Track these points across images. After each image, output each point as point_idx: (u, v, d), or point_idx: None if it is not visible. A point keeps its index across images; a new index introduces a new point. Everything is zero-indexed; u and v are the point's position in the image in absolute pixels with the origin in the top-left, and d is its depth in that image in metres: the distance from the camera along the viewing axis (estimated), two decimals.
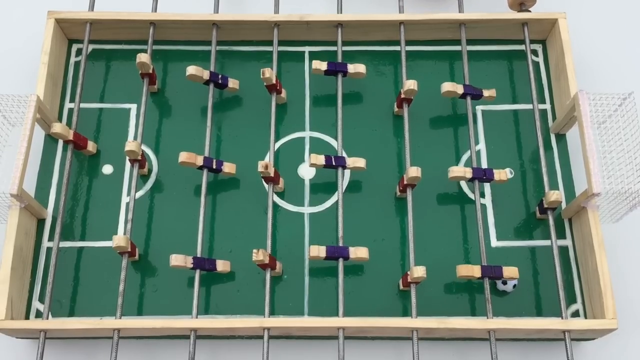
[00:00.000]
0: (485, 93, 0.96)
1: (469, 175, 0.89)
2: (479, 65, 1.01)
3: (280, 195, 0.94)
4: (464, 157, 0.96)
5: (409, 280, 0.84)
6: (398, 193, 0.93)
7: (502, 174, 0.90)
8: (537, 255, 0.91)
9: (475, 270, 0.84)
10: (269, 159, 0.93)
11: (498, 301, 0.87)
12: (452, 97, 0.96)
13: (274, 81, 0.94)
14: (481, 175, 0.90)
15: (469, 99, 0.95)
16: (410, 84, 0.92)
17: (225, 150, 0.97)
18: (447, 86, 0.94)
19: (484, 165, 0.95)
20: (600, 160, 0.85)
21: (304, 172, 0.96)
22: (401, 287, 0.88)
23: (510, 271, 0.85)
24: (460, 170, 0.89)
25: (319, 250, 0.85)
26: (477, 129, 0.98)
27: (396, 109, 0.98)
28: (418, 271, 0.83)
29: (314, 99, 1.00)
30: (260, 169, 0.87)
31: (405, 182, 0.89)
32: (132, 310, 0.88)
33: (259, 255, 0.83)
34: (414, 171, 0.87)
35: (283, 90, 0.98)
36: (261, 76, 0.92)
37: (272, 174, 0.89)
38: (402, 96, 0.94)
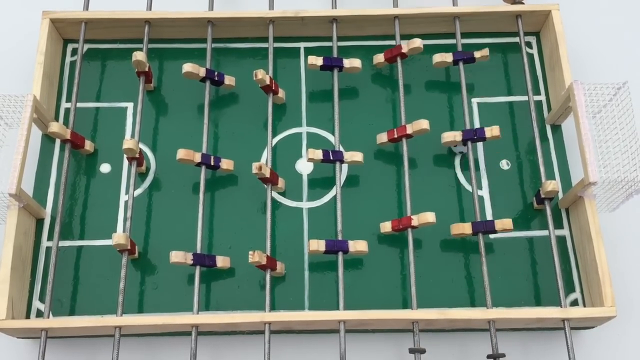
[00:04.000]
0: (477, 54, 0.97)
1: (459, 138, 0.92)
2: None
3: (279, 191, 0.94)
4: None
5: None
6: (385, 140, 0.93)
7: (495, 130, 0.91)
8: (535, 246, 0.91)
9: (466, 228, 0.87)
10: (266, 155, 0.93)
11: (498, 292, 0.87)
12: (444, 67, 0.99)
13: (267, 82, 0.94)
14: (472, 136, 0.91)
15: (464, 94, 0.95)
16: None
17: (222, 147, 0.97)
18: (438, 57, 0.97)
19: (481, 157, 0.96)
20: (596, 149, 0.86)
21: (302, 168, 0.96)
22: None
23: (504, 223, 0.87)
24: (450, 135, 0.92)
25: (319, 244, 0.85)
26: (472, 121, 0.98)
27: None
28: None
29: (310, 95, 1.00)
30: (254, 170, 0.87)
31: None
32: (133, 308, 0.88)
33: (255, 257, 0.83)
34: None
35: (281, 91, 0.98)
36: (254, 78, 0.92)
37: (267, 175, 0.88)
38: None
